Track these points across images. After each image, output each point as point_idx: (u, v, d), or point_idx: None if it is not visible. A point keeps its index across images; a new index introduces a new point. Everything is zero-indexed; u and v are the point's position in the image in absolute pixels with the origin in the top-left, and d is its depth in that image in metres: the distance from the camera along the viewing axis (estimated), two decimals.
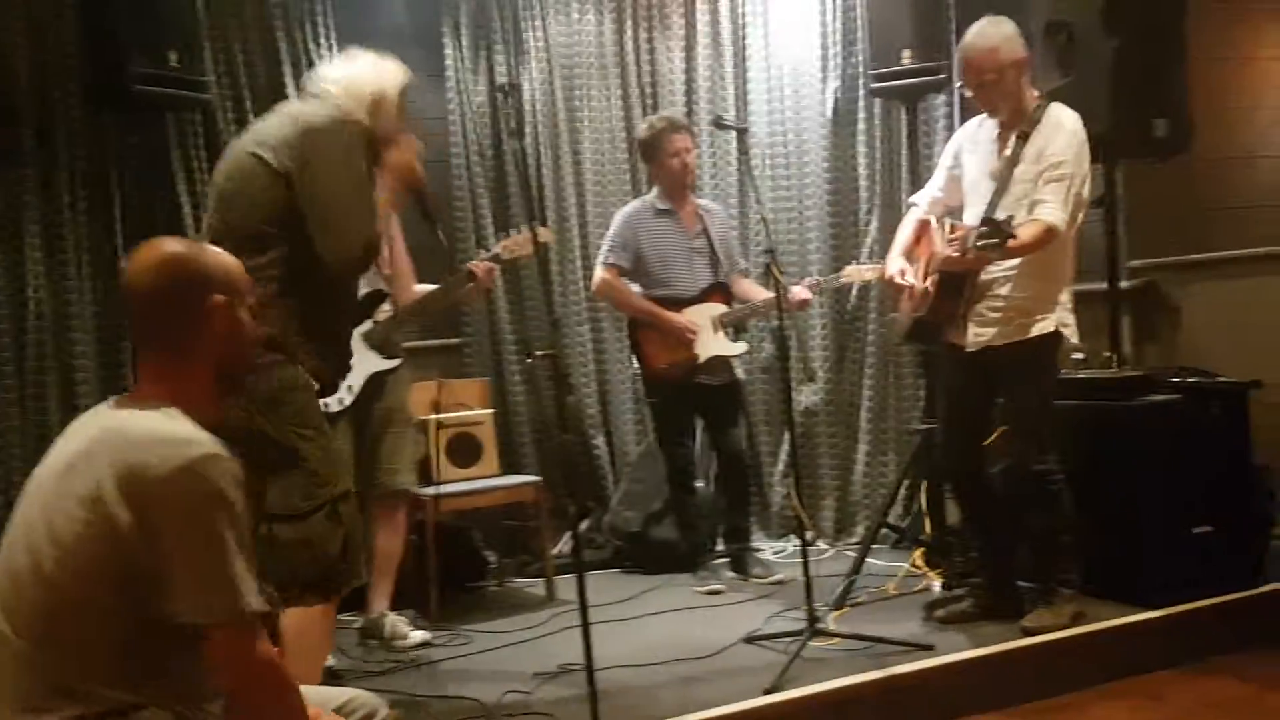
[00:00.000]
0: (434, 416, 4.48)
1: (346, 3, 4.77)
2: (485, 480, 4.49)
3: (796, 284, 4.46)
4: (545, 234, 4.10)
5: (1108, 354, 3.97)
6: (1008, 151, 3.50)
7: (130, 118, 4.09)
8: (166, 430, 1.70)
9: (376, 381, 3.80)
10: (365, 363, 3.79)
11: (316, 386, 2.77)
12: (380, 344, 3.85)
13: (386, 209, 2.89)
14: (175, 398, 1.78)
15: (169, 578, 1.63)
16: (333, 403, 3.55)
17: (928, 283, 3.62)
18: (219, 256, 1.89)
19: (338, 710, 1.93)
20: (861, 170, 5.14)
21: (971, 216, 3.60)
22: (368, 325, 3.84)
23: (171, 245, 1.86)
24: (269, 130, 2.73)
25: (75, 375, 4.11)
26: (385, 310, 3.91)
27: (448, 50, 5.05)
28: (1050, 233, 3.34)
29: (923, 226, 3.82)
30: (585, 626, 2.78)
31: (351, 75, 2.85)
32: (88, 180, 4.18)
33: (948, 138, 4.72)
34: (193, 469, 1.65)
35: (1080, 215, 3.49)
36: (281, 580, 2.62)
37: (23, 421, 4.01)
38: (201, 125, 4.39)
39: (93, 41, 3.86)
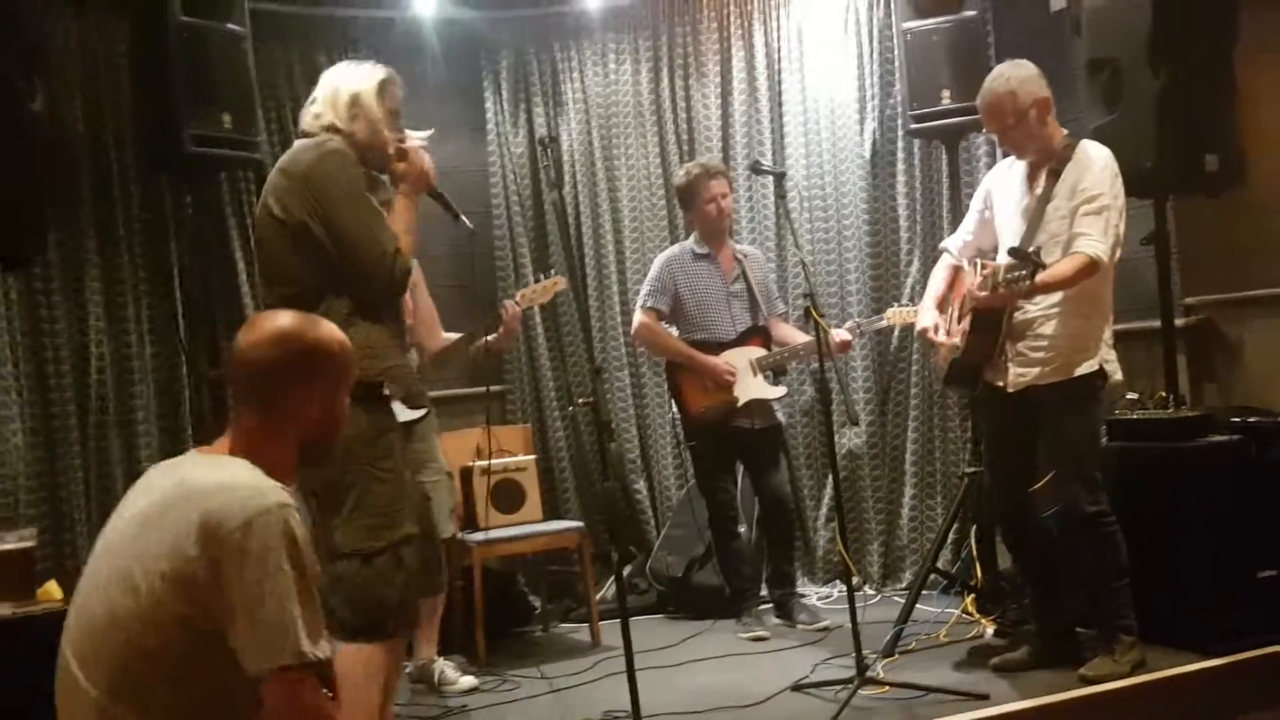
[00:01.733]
0: (478, 463, 4.51)
1: (391, 61, 4.82)
2: (529, 526, 4.51)
3: (837, 327, 4.46)
4: (560, 283, 4.23)
5: (1163, 394, 3.91)
6: (1039, 190, 3.49)
7: (185, 177, 4.21)
8: (237, 480, 1.75)
9: (404, 432, 3.81)
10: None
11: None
12: (406, 394, 3.88)
13: (408, 223, 2.93)
14: (255, 457, 1.84)
15: (236, 627, 1.67)
16: None
17: (962, 325, 3.61)
18: (333, 336, 1.95)
19: None
20: (902, 211, 5.13)
21: (1004, 257, 3.59)
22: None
23: (290, 320, 1.93)
24: (275, 187, 2.85)
25: (137, 428, 4.21)
26: (411, 359, 3.95)
27: (489, 104, 5.17)
28: (1093, 264, 3.31)
29: (955, 272, 3.81)
30: (631, 674, 2.78)
31: (325, 93, 2.94)
32: (146, 238, 4.30)
33: None
34: (261, 518, 1.69)
35: (1118, 251, 3.46)
36: (340, 617, 2.71)
37: (85, 473, 4.10)
38: (254, 184, 4.51)
39: (148, 104, 3.97)
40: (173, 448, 4.25)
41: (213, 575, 1.67)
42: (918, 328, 3.78)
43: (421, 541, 2.84)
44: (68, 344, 4.10)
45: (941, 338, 3.66)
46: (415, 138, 3.00)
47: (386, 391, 2.85)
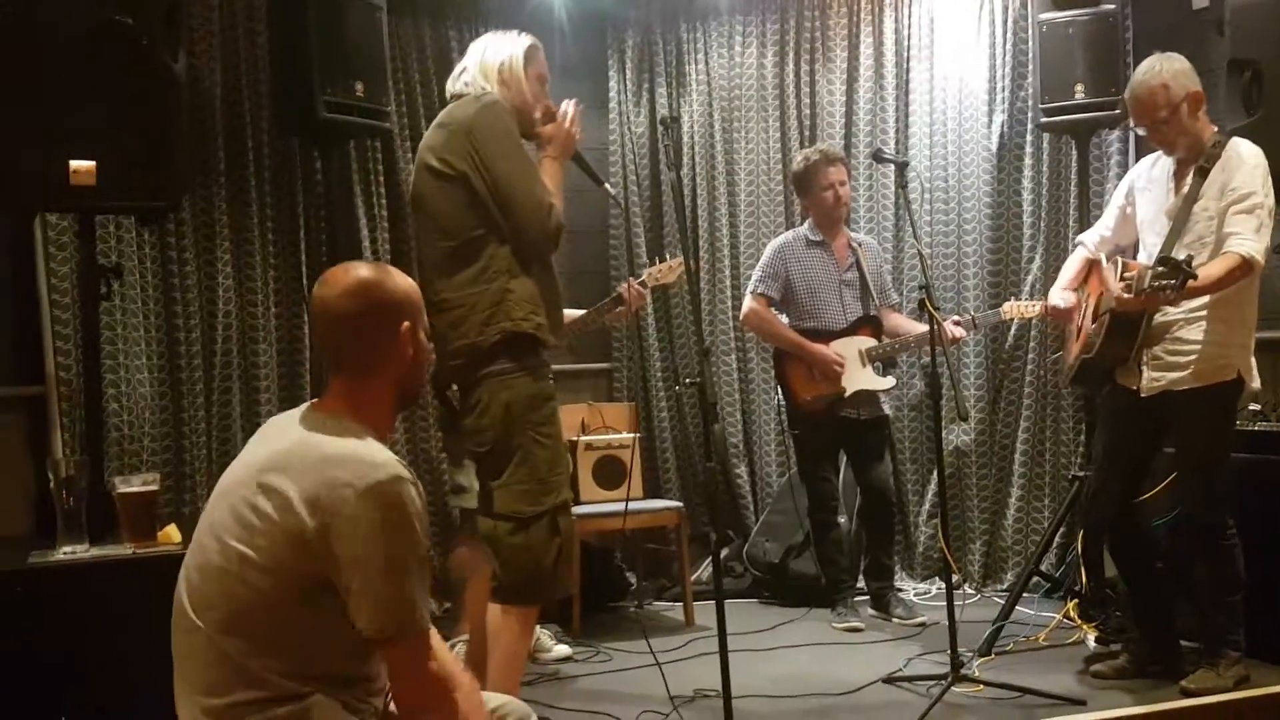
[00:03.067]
0: (582, 438, 4.57)
1: None
2: (629, 503, 4.54)
3: (949, 320, 4.38)
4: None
5: None
6: (1185, 188, 3.37)
7: (316, 143, 4.33)
8: (359, 450, 1.80)
9: None
10: None
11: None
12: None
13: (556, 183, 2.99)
14: (358, 413, 1.89)
15: (349, 590, 1.74)
16: None
17: (1096, 324, 3.51)
18: (403, 279, 1.98)
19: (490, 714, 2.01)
20: (1026, 206, 5.03)
21: (1145, 256, 3.49)
22: None
23: (364, 270, 1.95)
24: (434, 144, 2.91)
25: (258, 384, 4.37)
26: None
27: (612, 83, 5.21)
28: (1246, 265, 3.18)
29: (1089, 265, 3.71)
30: (723, 654, 2.80)
31: (476, 57, 3.00)
32: (275, 200, 4.44)
33: (1120, 175, 4.59)
34: (380, 491, 1.74)
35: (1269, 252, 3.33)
36: (496, 577, 2.82)
37: (208, 425, 4.27)
38: (381, 152, 4.65)
39: (284, 69, 4.09)
40: (291, 404, 4.37)
41: (323, 537, 1.73)
42: (1049, 303, 3.72)
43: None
44: (197, 299, 4.26)
45: (1076, 319, 3.59)
46: (566, 104, 3.03)
47: (542, 341, 2.89)
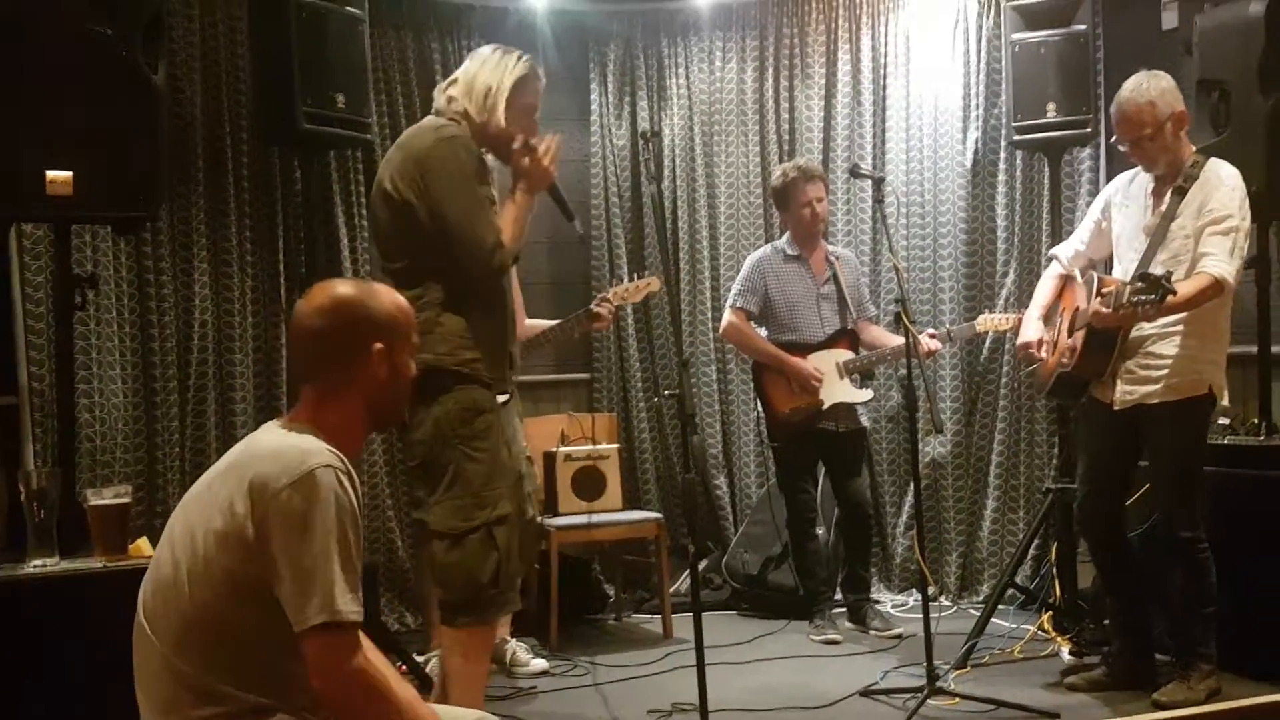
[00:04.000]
0: (561, 449, 4.57)
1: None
2: (608, 514, 4.55)
3: (925, 333, 4.41)
4: (655, 284, 4.24)
5: (1255, 420, 3.83)
6: (1163, 207, 3.42)
7: (297, 153, 4.32)
8: (288, 444, 1.78)
9: None
10: None
11: (503, 398, 2.89)
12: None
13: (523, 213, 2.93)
14: (320, 426, 1.86)
15: (279, 583, 1.71)
16: None
17: (1073, 338, 3.55)
18: (388, 300, 1.95)
19: None
20: (1000, 222, 5.08)
21: (1121, 272, 3.53)
22: None
23: (343, 288, 1.94)
24: (392, 165, 2.89)
25: (234, 395, 4.34)
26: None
27: (594, 95, 5.22)
28: (1218, 285, 3.23)
29: (1063, 281, 3.74)
30: (701, 667, 2.80)
31: (469, 72, 2.96)
32: (254, 209, 4.43)
33: (1092, 191, 4.66)
34: (304, 480, 1.71)
35: (1241, 273, 3.37)
36: (439, 598, 2.80)
37: (182, 436, 4.24)
38: (363, 163, 4.64)
39: (265, 80, 4.08)
40: (267, 416, 4.36)
41: (259, 534, 1.70)
42: (1020, 340, 3.72)
43: (516, 520, 2.86)
44: (173, 310, 4.23)
45: (1044, 354, 3.62)
46: (547, 139, 2.97)
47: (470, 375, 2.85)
